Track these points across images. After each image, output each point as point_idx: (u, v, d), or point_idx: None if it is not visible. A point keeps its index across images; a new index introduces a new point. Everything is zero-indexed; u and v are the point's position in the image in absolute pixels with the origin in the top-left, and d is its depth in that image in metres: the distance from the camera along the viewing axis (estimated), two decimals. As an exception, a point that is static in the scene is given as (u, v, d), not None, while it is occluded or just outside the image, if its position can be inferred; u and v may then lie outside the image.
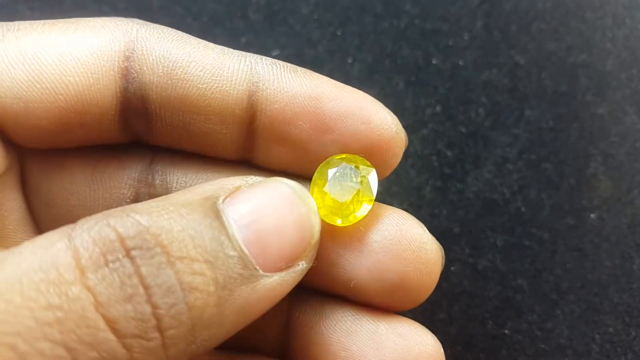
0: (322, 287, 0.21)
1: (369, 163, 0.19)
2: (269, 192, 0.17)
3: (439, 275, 0.20)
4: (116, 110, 0.19)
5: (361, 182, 0.19)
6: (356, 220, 0.19)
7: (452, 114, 0.31)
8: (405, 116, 0.31)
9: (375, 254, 0.19)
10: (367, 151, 0.19)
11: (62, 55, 0.18)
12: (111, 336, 0.14)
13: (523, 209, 0.30)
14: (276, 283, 0.16)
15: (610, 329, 0.28)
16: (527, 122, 0.31)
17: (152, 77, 0.19)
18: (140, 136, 0.21)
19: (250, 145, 0.20)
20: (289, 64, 0.20)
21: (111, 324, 0.14)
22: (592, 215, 0.29)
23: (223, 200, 0.16)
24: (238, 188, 0.17)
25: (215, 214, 0.16)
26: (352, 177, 0.19)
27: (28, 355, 0.13)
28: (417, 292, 0.20)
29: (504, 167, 0.30)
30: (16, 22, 0.19)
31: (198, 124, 0.19)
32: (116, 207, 0.21)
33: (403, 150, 0.20)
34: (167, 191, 0.21)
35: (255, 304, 0.16)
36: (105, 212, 0.15)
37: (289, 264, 0.17)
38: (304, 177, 0.20)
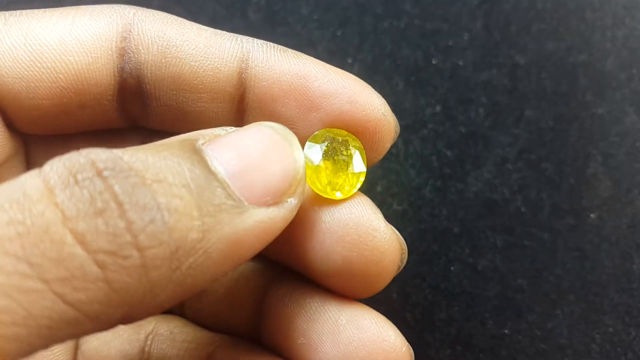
0: (280, 261, 0.21)
1: (355, 137, 0.19)
2: (250, 132, 0.17)
3: (394, 265, 0.19)
4: (114, 90, 0.20)
5: (351, 154, 0.19)
6: (351, 193, 0.19)
7: (452, 114, 0.31)
8: (405, 116, 0.31)
9: (322, 235, 0.19)
10: (354, 132, 0.19)
11: (62, 36, 0.19)
12: (80, 251, 0.13)
13: (523, 209, 0.30)
14: (265, 217, 0.16)
15: (610, 329, 0.28)
16: (527, 122, 0.31)
17: (147, 56, 0.19)
18: (138, 119, 0.21)
19: (241, 124, 0.20)
20: (279, 45, 0.20)
21: (79, 237, 0.13)
22: (592, 215, 0.29)
23: (202, 144, 0.16)
24: (217, 135, 0.17)
25: (194, 150, 0.15)
26: (342, 150, 0.19)
27: None
28: (365, 280, 0.19)
29: (504, 167, 0.30)
30: (17, 11, 0.19)
31: (191, 103, 0.20)
32: None
33: (393, 136, 0.20)
34: None
35: (245, 235, 0.15)
36: None
37: (276, 199, 0.16)
38: None
